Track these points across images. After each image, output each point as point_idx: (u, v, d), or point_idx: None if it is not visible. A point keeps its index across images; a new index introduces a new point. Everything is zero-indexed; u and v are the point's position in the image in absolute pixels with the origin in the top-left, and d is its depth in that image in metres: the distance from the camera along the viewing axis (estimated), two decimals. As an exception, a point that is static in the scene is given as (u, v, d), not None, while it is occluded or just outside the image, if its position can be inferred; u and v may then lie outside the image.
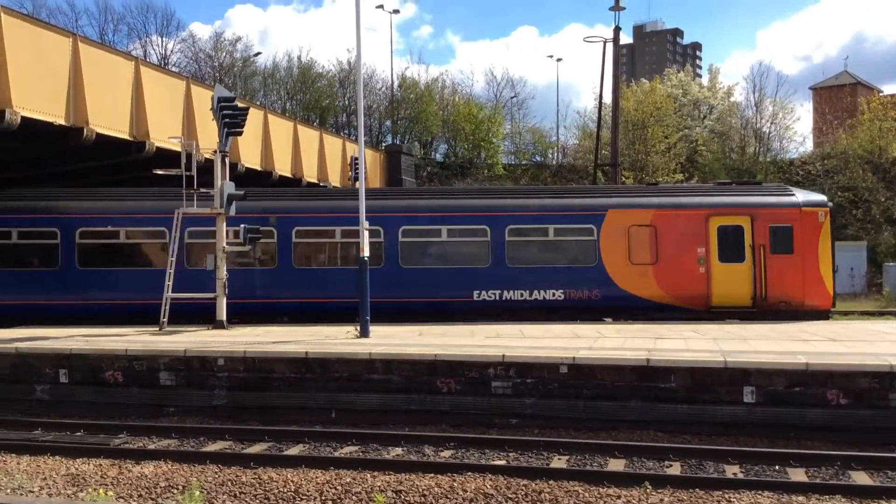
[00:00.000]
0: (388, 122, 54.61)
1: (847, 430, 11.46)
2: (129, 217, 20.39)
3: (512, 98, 58.48)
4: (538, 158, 52.87)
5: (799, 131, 53.54)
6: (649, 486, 9.27)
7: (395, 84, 53.89)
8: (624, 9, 34.03)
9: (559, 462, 10.49)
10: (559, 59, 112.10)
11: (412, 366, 12.90)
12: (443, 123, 52.33)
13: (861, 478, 9.64)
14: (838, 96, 56.02)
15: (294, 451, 11.20)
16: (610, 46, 34.64)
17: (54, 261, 20.16)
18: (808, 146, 54.18)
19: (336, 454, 10.99)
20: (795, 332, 15.96)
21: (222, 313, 17.88)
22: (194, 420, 13.06)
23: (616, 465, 10.34)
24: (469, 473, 9.88)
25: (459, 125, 50.61)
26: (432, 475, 9.85)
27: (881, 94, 53.88)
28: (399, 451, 11.13)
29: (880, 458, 10.11)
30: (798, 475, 9.82)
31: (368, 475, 9.86)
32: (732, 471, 10.04)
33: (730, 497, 8.99)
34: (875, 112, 43.29)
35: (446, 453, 10.96)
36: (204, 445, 11.60)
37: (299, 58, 56.18)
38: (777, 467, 10.10)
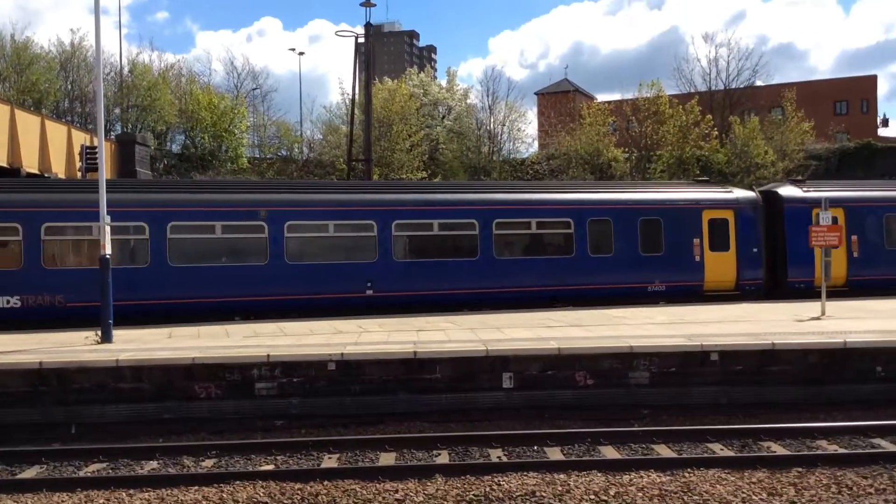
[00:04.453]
0: (117, 110, 50.52)
1: (594, 408, 12.39)
2: None
3: (254, 90, 56.90)
4: (284, 152, 51.90)
5: (529, 133, 56.97)
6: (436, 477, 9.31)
7: (126, 70, 50.08)
8: (374, 5, 34.40)
9: (330, 461, 10.24)
10: (301, 53, 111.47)
11: (166, 371, 11.97)
12: (179, 113, 49.47)
13: (610, 452, 10.40)
14: (561, 102, 60.86)
15: (30, 473, 9.90)
16: (358, 41, 34.78)
17: None
18: (536, 147, 58.38)
19: (81, 473, 9.87)
20: (543, 319, 16.99)
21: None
22: None
23: (387, 458, 10.29)
24: (237, 482, 9.30)
25: (199, 115, 48.15)
26: (197, 488, 9.16)
27: (597, 101, 59.26)
28: (154, 464, 10.25)
29: (625, 433, 10.98)
30: (555, 454, 10.38)
31: (124, 494, 8.95)
32: (497, 454, 10.38)
33: (499, 480, 9.27)
34: (594, 117, 47.64)
35: (208, 463, 10.26)
36: (-88, 478, 9.87)
37: (13, 36, 50.25)
38: (536, 448, 10.61)
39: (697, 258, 22.21)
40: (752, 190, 24.64)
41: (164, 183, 24.31)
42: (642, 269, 21.78)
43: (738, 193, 23.85)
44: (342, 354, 12.13)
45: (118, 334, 14.90)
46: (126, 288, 17.37)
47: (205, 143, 48.25)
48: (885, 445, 10.38)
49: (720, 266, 22.32)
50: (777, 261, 23.08)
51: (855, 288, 22.91)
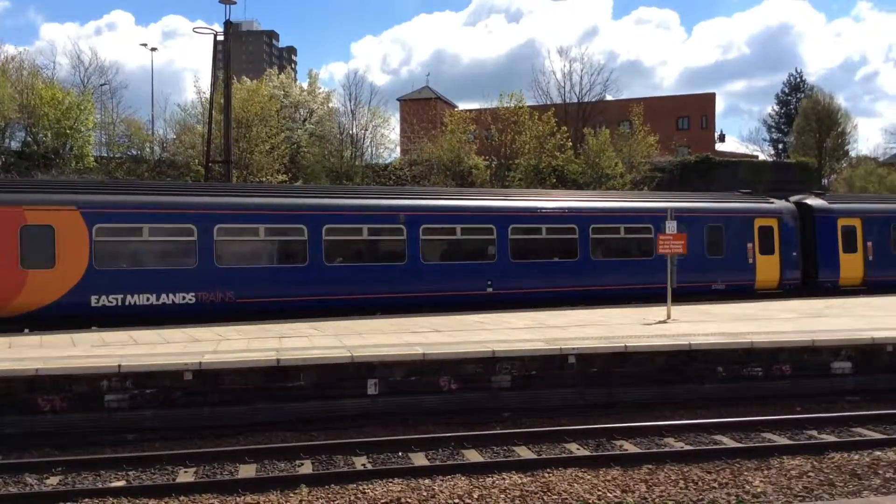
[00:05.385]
0: (-51, 103, 46.52)
1: (458, 412, 12.55)
2: None
3: (102, 86, 53.92)
4: (135, 152, 49.44)
5: (392, 139, 57.03)
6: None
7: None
8: (235, 2, 33.41)
9: (186, 475, 9.85)
10: (154, 49, 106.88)
11: (6, 383, 11.13)
12: (20, 108, 46.16)
13: (473, 455, 10.55)
14: (423, 108, 61.49)
15: None
16: (217, 39, 33.74)
17: None
18: (399, 153, 58.56)
19: None
20: (407, 325, 17.05)
21: None
22: None
23: (248, 470, 10.01)
24: (85, 500, 8.82)
25: (41, 111, 45.09)
26: (42, 508, 8.60)
27: (458, 109, 60.20)
28: (-8, 484, 9.51)
29: (488, 436, 11.17)
30: (420, 459, 10.43)
31: (-44, 519, 8.27)
32: (361, 462, 10.32)
33: (364, 488, 9.23)
34: (456, 125, 48.34)
35: (53, 480, 9.63)
36: None
37: None
38: (401, 454, 10.62)
39: (750, 260, 25.25)
40: (787, 201, 27.37)
41: (318, 189, 27.37)
42: (708, 270, 24.57)
43: (780, 204, 26.74)
44: (200, 364, 11.69)
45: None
46: (289, 284, 19.87)
47: (47, 140, 45.27)
48: (727, 441, 11.09)
49: (767, 267, 25.47)
50: (808, 262, 26.26)
51: (870, 286, 26.46)
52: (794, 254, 26.07)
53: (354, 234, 21.13)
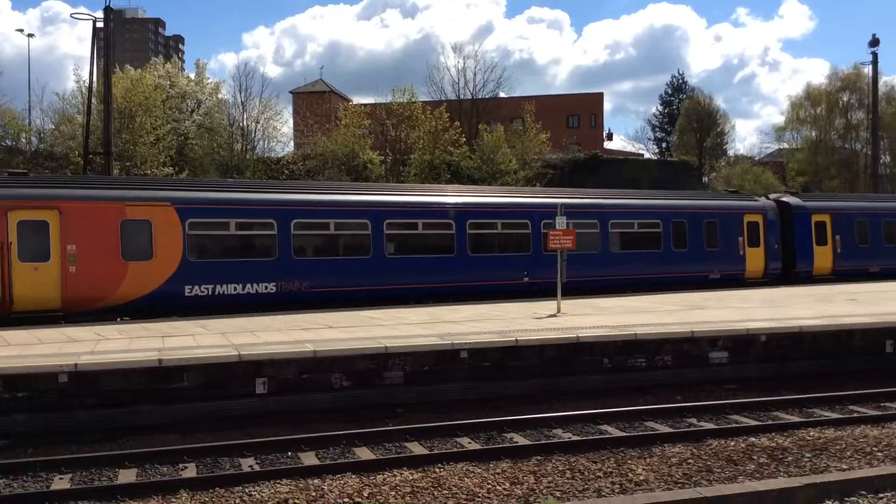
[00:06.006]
0: None
1: (350, 409, 12.42)
2: None
3: (-27, 72, 50.74)
4: (9, 142, 46.69)
5: (285, 132, 55.85)
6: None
7: None
8: (115, -12, 31.99)
9: (62, 482, 9.35)
10: (30, 35, 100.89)
11: None
12: None
13: (365, 453, 10.45)
14: (317, 102, 60.71)
15: None
16: (97, 26, 32.22)
17: None
18: (292, 147, 57.55)
19: None
20: (299, 322, 16.77)
21: None
22: None
23: (128, 475, 9.59)
24: (-52, 513, 8.24)
25: None
26: None
27: (353, 103, 59.71)
28: None
29: (380, 433, 11.08)
30: (310, 459, 10.25)
31: None
32: (249, 464, 10.06)
33: (250, 491, 8.99)
34: (350, 119, 47.92)
35: (-89, 493, 8.96)
36: None
37: None
38: (290, 454, 10.41)
39: (741, 252, 27.86)
40: (768, 198, 30.36)
41: (380, 187, 29.46)
42: (706, 261, 27.16)
43: (763, 201, 29.71)
44: (76, 365, 11.13)
45: None
46: (355, 275, 21.27)
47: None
48: (612, 431, 11.40)
49: (754, 258, 28.12)
50: (786, 254, 29.03)
51: (839, 276, 29.44)
52: (776, 246, 28.75)
53: (411, 229, 22.69)
